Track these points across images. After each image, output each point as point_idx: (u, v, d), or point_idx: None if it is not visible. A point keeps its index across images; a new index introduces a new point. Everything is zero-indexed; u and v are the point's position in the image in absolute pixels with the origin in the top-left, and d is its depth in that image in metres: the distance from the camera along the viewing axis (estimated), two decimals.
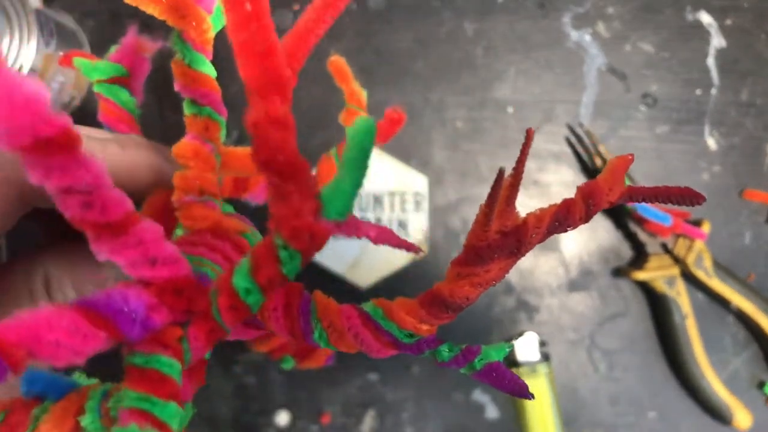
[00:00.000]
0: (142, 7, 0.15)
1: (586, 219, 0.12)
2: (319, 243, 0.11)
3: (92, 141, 0.17)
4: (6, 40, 0.31)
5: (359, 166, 0.10)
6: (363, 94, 0.22)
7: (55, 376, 0.12)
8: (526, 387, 0.14)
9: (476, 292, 0.12)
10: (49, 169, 0.09)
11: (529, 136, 0.11)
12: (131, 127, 0.22)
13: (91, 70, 0.21)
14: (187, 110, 0.17)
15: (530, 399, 0.14)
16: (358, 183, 0.11)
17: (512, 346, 0.14)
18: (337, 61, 0.22)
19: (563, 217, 0.12)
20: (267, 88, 0.10)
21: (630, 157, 0.13)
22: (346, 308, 0.14)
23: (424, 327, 0.13)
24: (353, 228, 0.11)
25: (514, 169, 0.12)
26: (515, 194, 0.12)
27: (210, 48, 0.17)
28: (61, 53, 0.34)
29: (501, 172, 0.11)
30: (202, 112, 0.17)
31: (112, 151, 0.17)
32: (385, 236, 0.12)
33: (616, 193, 0.13)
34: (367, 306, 0.14)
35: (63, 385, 0.12)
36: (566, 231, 0.12)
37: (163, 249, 0.12)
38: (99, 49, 0.38)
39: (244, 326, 0.17)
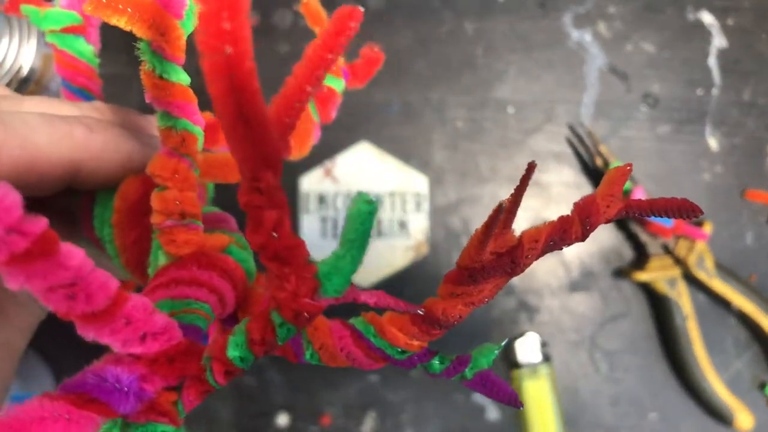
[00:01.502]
0: (105, 19, 0.14)
1: (583, 238, 0.12)
2: (315, 317, 0.11)
3: (57, 122, 0.16)
4: (5, 40, 0.31)
5: (359, 246, 0.10)
6: None
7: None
8: (516, 395, 0.14)
9: (469, 310, 0.12)
10: (29, 277, 0.09)
11: (530, 168, 0.11)
12: (90, 79, 0.21)
13: (40, 19, 0.19)
14: (160, 123, 0.16)
15: (519, 408, 0.14)
16: (357, 262, 0.11)
17: (501, 347, 0.14)
18: (310, 2, 0.20)
19: (559, 237, 0.12)
20: (258, 164, 0.09)
21: (628, 168, 0.13)
22: (337, 327, 0.14)
23: (416, 343, 0.13)
24: (351, 298, 0.11)
25: (512, 195, 0.11)
26: (512, 219, 0.11)
27: (182, 55, 0.16)
28: None
29: (500, 206, 0.11)
30: (177, 125, 0.16)
31: (78, 135, 0.16)
32: (384, 301, 0.12)
33: (613, 209, 0.12)
34: (358, 322, 0.14)
35: None
36: (562, 249, 0.12)
37: (153, 323, 0.12)
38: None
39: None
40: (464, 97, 0.42)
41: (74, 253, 0.10)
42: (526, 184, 0.11)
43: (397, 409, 0.40)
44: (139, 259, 0.17)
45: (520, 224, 0.41)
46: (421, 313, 0.12)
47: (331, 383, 0.40)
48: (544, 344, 0.40)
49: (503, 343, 0.14)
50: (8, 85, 0.32)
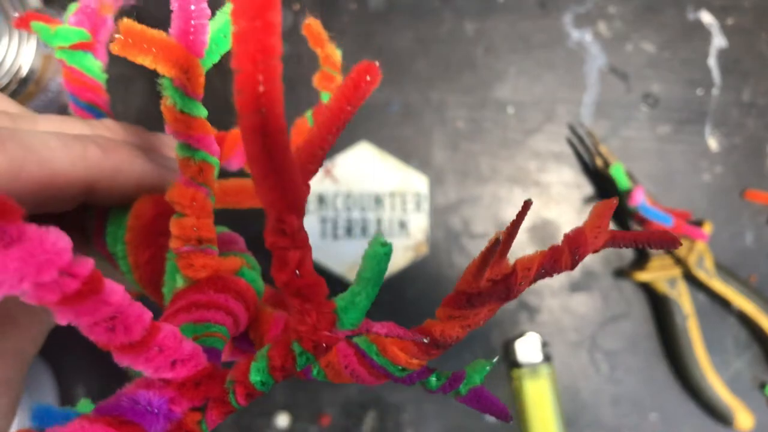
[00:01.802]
0: (130, 58, 0.15)
1: (572, 267, 0.13)
2: (332, 347, 0.12)
3: (72, 142, 0.17)
4: (5, 40, 0.31)
5: (374, 284, 0.12)
6: (338, 57, 0.22)
7: (65, 410, 0.12)
8: (507, 410, 0.15)
9: (465, 332, 0.13)
10: (78, 314, 0.10)
11: (526, 206, 0.12)
12: (98, 94, 0.22)
13: (51, 36, 0.20)
14: (179, 153, 0.16)
15: (509, 422, 0.15)
16: (372, 298, 0.12)
17: (492, 364, 0.15)
18: (312, 24, 0.21)
19: (550, 266, 0.13)
20: (284, 208, 0.10)
21: (614, 202, 0.13)
22: (342, 346, 0.15)
23: (415, 362, 0.14)
24: (365, 329, 0.12)
25: (508, 229, 0.12)
26: (507, 250, 0.12)
27: (202, 91, 0.16)
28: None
29: (496, 239, 0.12)
30: (196, 156, 0.16)
31: (92, 156, 0.17)
32: (394, 332, 0.13)
33: (600, 241, 0.13)
34: (361, 341, 0.15)
35: (73, 418, 0.12)
36: (552, 277, 0.13)
37: (182, 350, 0.13)
38: None
39: (241, 352, 0.18)
40: (464, 97, 0.42)
41: (116, 290, 0.11)
42: (522, 220, 0.12)
43: (397, 409, 0.40)
44: (153, 277, 0.18)
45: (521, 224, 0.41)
46: (426, 341, 0.13)
47: (331, 383, 0.40)
48: (544, 344, 0.40)
49: (494, 360, 0.15)
50: (8, 85, 0.32)
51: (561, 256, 0.13)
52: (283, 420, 0.40)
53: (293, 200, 0.10)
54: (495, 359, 0.15)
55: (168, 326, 0.12)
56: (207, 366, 0.13)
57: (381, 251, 0.11)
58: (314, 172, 0.11)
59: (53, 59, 0.34)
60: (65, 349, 0.39)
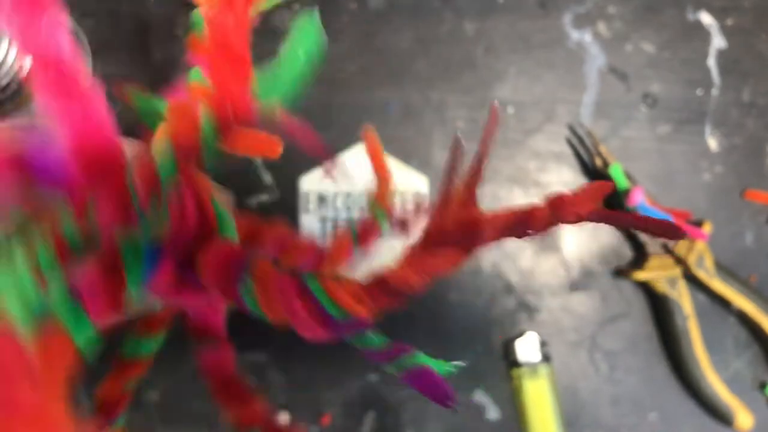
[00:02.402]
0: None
1: (546, 227, 0.12)
2: (244, 122, 0.11)
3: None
4: (6, 40, 0.31)
5: (303, 63, 0.11)
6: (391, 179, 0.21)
7: None
8: (452, 395, 0.14)
9: (420, 280, 0.12)
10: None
11: (493, 111, 0.11)
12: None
13: None
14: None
15: (451, 407, 0.13)
16: (296, 80, 0.11)
17: (458, 366, 0.14)
18: (369, 135, 0.21)
19: (524, 220, 0.12)
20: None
21: (610, 184, 0.13)
22: (286, 278, 0.14)
23: (361, 308, 0.13)
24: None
25: (478, 152, 0.11)
26: (477, 180, 0.12)
27: None
28: None
29: (457, 139, 0.11)
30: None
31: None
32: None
33: (586, 208, 0.13)
34: (309, 278, 0.14)
35: None
36: (527, 236, 0.12)
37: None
38: (98, 48, 0.38)
39: (191, 290, 0.16)
40: (464, 97, 0.42)
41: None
42: (492, 131, 0.11)
43: (398, 409, 0.40)
44: None
45: None
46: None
47: (331, 383, 0.40)
48: (543, 344, 0.40)
49: (457, 363, 0.14)
50: (8, 85, 0.32)
51: (539, 212, 0.12)
52: (283, 420, 0.40)
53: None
54: (458, 362, 0.14)
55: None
56: (111, 142, 0.12)
57: (308, 24, 0.10)
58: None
59: None
60: None
